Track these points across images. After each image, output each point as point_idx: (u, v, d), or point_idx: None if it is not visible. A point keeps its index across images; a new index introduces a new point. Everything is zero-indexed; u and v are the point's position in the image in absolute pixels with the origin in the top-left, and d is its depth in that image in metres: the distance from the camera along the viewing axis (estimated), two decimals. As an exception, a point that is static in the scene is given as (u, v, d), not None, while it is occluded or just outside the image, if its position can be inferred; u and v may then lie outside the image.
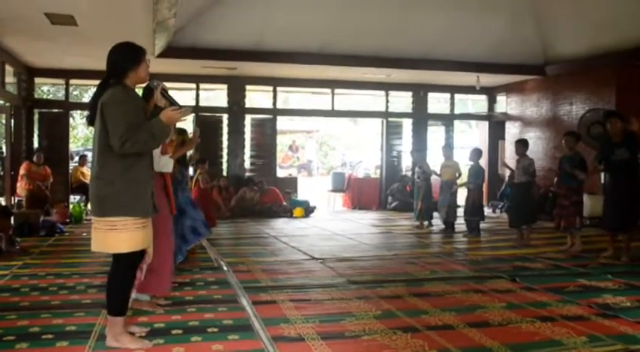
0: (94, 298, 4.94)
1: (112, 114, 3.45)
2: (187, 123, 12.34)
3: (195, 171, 8.78)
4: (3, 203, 10.65)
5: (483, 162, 12.20)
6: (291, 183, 14.48)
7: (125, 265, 3.66)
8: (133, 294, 4.49)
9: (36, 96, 13.08)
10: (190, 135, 5.99)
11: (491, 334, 4.04)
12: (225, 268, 6.42)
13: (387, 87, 14.29)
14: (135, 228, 3.56)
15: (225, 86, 13.44)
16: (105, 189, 3.52)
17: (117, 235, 3.52)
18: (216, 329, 4.09)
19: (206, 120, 13.13)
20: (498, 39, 11.51)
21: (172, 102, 3.81)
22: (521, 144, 8.78)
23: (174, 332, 4.02)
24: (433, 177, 10.62)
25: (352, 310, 4.66)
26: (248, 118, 13.82)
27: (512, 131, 14.27)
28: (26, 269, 6.33)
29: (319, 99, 17.10)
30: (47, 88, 15.95)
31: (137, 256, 3.70)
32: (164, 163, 4.46)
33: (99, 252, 7.09)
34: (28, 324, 4.17)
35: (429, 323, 4.31)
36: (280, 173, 16.32)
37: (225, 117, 13.47)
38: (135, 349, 3.61)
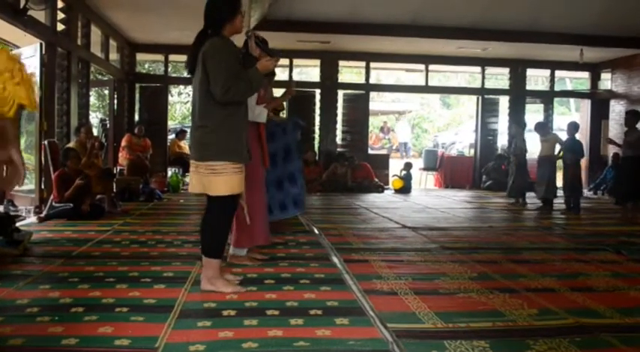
0: (190, 251, 5.05)
1: (214, 64, 3.57)
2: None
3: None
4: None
5: (584, 141, 11.61)
6: (382, 160, 14.32)
7: (222, 208, 3.72)
8: (231, 250, 4.60)
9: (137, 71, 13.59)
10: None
11: (597, 298, 3.79)
12: (316, 232, 6.42)
13: (483, 62, 13.84)
14: (233, 172, 3.65)
15: (318, 61, 13.47)
16: (208, 136, 3.63)
17: (217, 178, 3.63)
18: (307, 281, 4.08)
19: (299, 95, 13.08)
20: (605, 9, 10.74)
21: (266, 51, 4.04)
22: (632, 115, 8.26)
23: (266, 281, 4.04)
24: (529, 155, 10.18)
25: (446, 271, 4.51)
26: (340, 94, 13.80)
27: (616, 109, 13.50)
28: (126, 226, 6.58)
29: (412, 78, 16.83)
30: (147, 65, 16.59)
31: (233, 200, 3.76)
32: (259, 113, 4.48)
33: (194, 215, 7.41)
34: (127, 270, 4.31)
35: (528, 285, 4.10)
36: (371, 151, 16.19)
37: (317, 92, 13.49)
38: (228, 293, 3.65)
